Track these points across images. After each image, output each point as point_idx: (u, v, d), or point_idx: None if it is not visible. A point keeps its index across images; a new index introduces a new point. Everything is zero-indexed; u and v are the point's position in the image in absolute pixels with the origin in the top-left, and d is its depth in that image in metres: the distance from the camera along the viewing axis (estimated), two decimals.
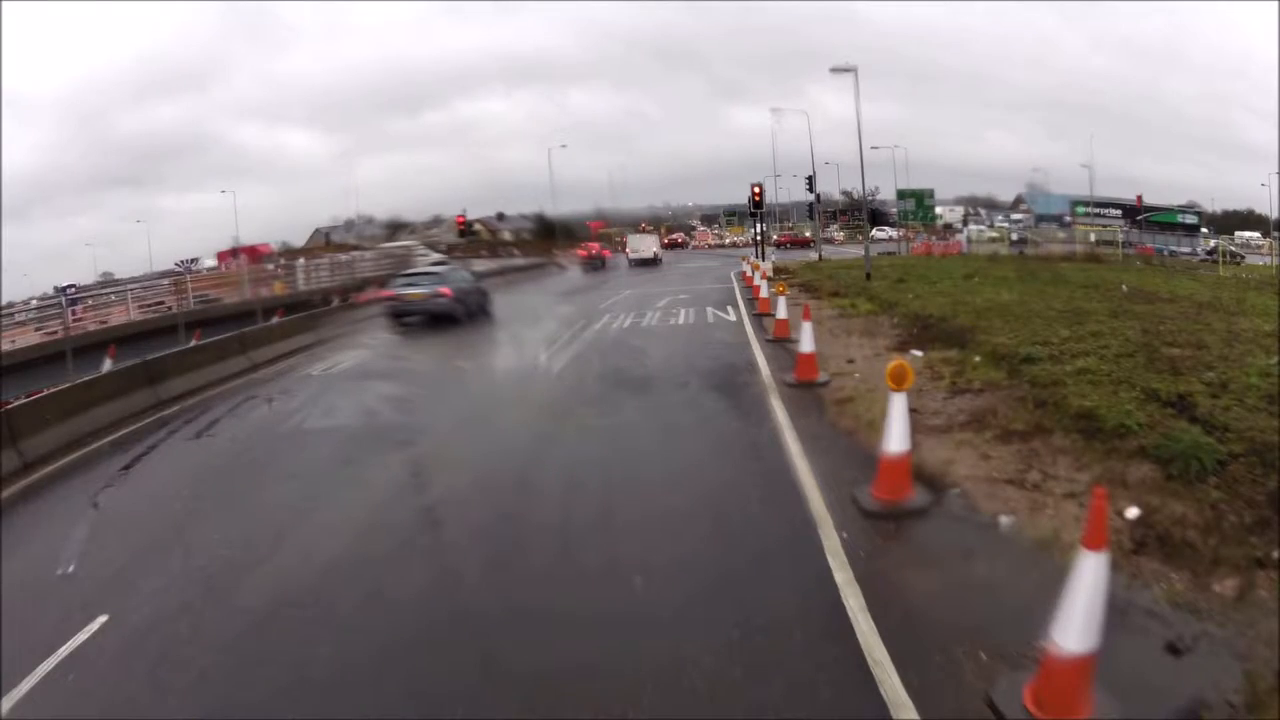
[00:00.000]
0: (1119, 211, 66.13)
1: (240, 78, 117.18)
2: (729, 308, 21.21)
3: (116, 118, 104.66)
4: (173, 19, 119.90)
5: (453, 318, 20.25)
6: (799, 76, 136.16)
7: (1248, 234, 66.13)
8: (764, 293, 20.35)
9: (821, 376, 11.06)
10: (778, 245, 66.51)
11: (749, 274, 31.79)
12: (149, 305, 28.61)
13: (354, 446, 9.73)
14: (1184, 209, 71.32)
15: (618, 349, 15.72)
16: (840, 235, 76.84)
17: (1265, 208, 70.34)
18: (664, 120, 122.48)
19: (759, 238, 38.17)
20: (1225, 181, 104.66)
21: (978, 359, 11.68)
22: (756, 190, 31.60)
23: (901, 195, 48.48)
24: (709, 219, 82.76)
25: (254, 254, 60.94)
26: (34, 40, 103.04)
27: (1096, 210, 66.94)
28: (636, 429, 9.70)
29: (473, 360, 15.85)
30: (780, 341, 15.08)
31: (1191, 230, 64.90)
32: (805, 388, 10.76)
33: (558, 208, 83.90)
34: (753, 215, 38.62)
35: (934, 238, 53.22)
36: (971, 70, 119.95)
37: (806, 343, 11.28)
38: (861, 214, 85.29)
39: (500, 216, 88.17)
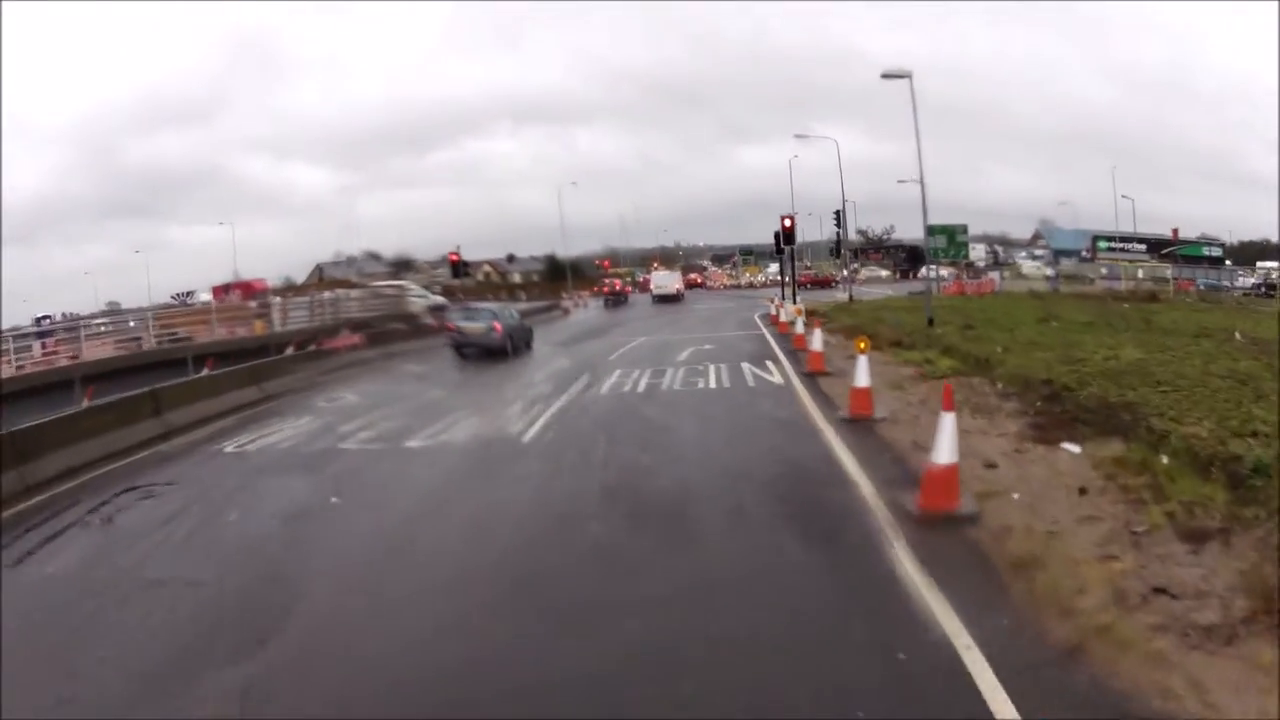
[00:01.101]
0: (1143, 246, 62.80)
1: (247, 111, 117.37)
2: (769, 363, 16.76)
3: (125, 147, 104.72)
4: (182, 51, 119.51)
5: (504, 351, 21.54)
6: (807, 116, 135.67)
7: (1269, 264, 62.14)
8: (815, 344, 15.93)
9: (964, 503, 6.54)
10: (799, 285, 62.39)
11: (778, 315, 27.63)
12: (126, 340, 26.22)
13: (171, 640, 5.13)
14: (1207, 242, 68.50)
15: (629, 429, 11.18)
16: (862, 275, 72.96)
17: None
18: (672, 160, 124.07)
19: (790, 276, 33.35)
20: (1228, 211, 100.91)
21: (1165, 460, 7.39)
22: (787, 222, 27.24)
23: (932, 231, 44.11)
24: (720, 258, 79.10)
25: (248, 289, 57.64)
26: (45, 68, 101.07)
27: (1120, 245, 63.60)
28: (671, 666, 4.49)
29: (431, 433, 11.46)
30: (861, 421, 10.57)
31: (1216, 263, 61.41)
32: (944, 525, 6.26)
33: (568, 249, 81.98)
34: (779, 252, 34.35)
35: (966, 275, 48.99)
36: (975, 105, 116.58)
37: (944, 449, 6.44)
38: (890, 252, 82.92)
39: (510, 259, 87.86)
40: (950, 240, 43.84)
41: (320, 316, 31.06)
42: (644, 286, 58.31)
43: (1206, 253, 64.37)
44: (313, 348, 23.20)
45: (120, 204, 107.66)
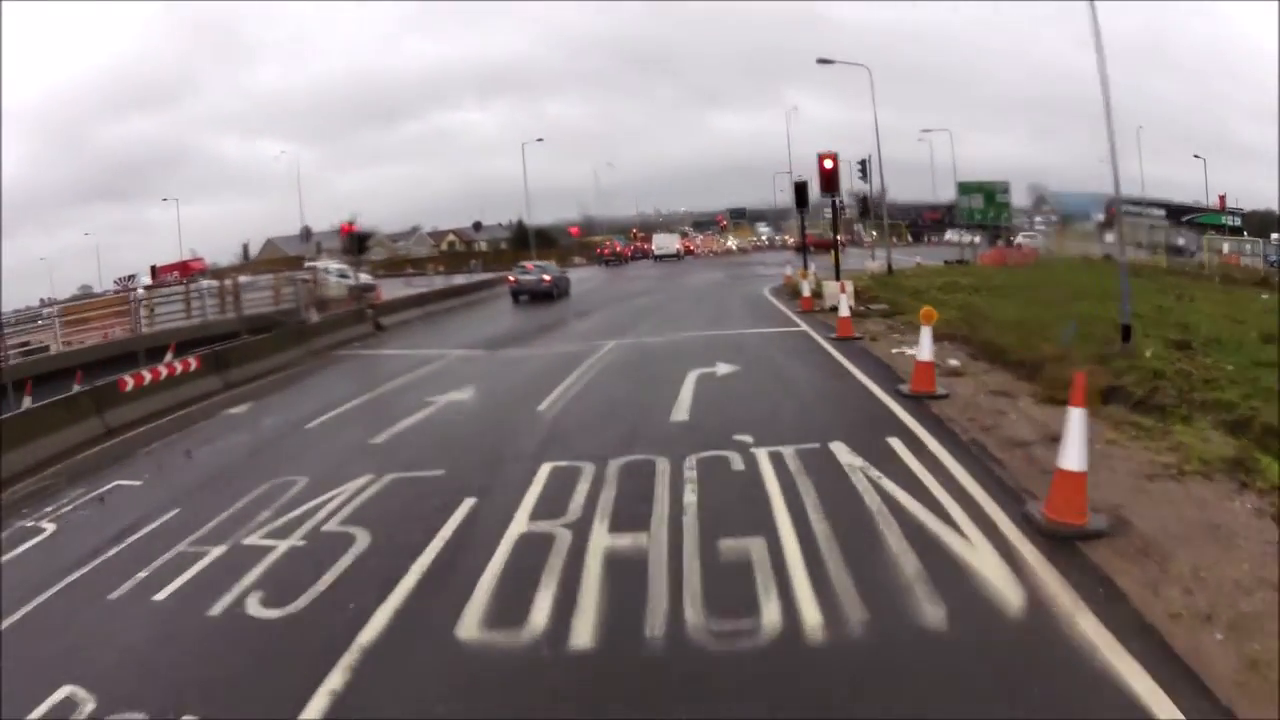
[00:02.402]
0: (1162, 211, 54.99)
1: (214, 90, 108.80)
2: (894, 442, 7.33)
3: (94, 130, 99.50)
4: (144, 33, 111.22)
5: (550, 295, 28.49)
6: (777, 80, 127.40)
7: None
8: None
9: None
10: (799, 249, 53.77)
11: (808, 291, 19.08)
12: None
13: None
14: (1230, 210, 62.83)
15: None
16: (869, 238, 64.61)
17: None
18: (643, 127, 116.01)
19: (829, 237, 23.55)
20: (1213, 180, 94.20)
21: None
22: (828, 163, 17.65)
23: (965, 190, 35.71)
24: (701, 224, 71.32)
25: (185, 270, 53.30)
26: (8, 54, 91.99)
27: (1138, 210, 58.96)
28: None
29: None
30: None
31: (1235, 232, 54.45)
32: None
33: (539, 216, 77.65)
34: (801, 205, 25.36)
35: (1007, 242, 40.51)
36: (955, 71, 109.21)
37: None
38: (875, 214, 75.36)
39: (477, 226, 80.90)
40: (989, 200, 35.42)
41: (205, 310, 22.38)
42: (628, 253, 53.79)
43: (1226, 221, 57.32)
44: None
45: (96, 188, 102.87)
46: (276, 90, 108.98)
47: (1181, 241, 40.48)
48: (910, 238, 57.09)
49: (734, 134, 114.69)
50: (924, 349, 9.03)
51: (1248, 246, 36.93)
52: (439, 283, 36.46)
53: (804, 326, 15.94)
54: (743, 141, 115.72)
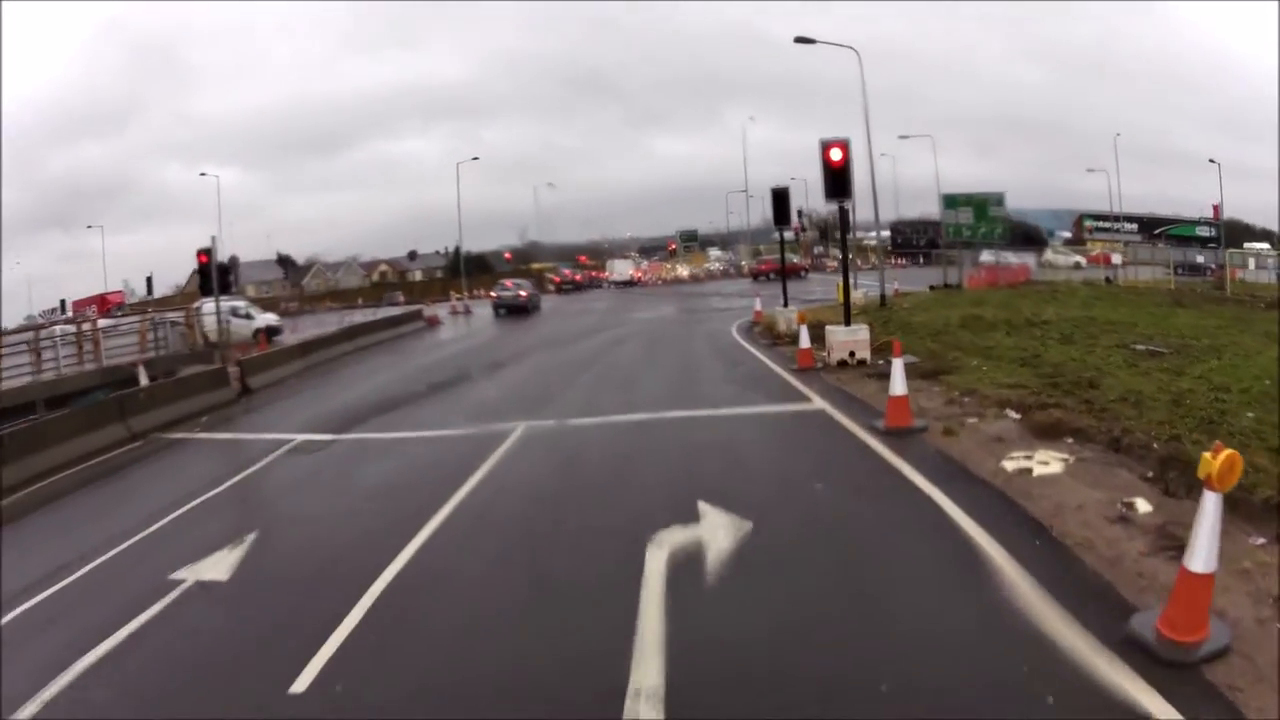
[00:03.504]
0: (1134, 225, 53.71)
1: (157, 117, 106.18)
2: None
3: (43, 156, 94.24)
4: (78, 58, 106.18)
5: (526, 309, 33.91)
6: (717, 103, 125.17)
7: (1258, 245, 52.50)
8: None
9: None
10: (755, 275, 48.79)
11: (805, 345, 13.58)
12: None
13: None
14: (1204, 222, 60.58)
15: None
16: (833, 262, 60.06)
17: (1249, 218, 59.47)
18: (585, 150, 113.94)
19: (842, 255, 16.19)
20: (1165, 192, 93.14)
21: None
22: (836, 152, 11.65)
23: (951, 203, 30.93)
24: (647, 250, 66.77)
25: (103, 303, 51.25)
26: None
27: (1109, 224, 55.25)
28: None
29: None
30: None
31: (1209, 244, 51.55)
32: None
33: (483, 243, 76.42)
34: (781, 222, 19.84)
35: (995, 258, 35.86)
36: (892, 88, 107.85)
37: None
38: (839, 234, 70.63)
39: (412, 255, 78.80)
40: (980, 215, 30.66)
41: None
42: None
43: (1199, 233, 54.49)
44: None
45: (43, 215, 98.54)
46: (219, 116, 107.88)
47: (1200, 259, 36.22)
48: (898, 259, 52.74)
49: (677, 157, 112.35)
50: (1201, 552, 3.70)
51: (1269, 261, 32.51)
52: (356, 318, 30.70)
53: (818, 401, 10.45)
54: (687, 165, 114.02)
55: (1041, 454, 7.33)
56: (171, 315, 26.01)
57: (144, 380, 16.58)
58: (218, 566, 6.16)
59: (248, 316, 29.10)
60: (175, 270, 71.29)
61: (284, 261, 75.22)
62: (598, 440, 9.25)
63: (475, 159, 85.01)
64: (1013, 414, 8.87)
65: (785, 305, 19.95)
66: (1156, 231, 57.51)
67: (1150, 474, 6.57)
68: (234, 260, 18.20)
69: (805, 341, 13.30)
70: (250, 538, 6.74)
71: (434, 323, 31.15)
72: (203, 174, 60.62)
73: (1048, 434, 7.97)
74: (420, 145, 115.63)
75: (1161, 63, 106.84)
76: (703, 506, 6.21)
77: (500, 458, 8.68)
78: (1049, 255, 45.22)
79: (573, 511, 6.72)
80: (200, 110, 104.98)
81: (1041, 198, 68.85)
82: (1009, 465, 7.04)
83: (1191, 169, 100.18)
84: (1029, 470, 6.92)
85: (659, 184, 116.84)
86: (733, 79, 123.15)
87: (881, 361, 13.04)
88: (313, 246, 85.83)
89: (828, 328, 13.59)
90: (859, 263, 55.94)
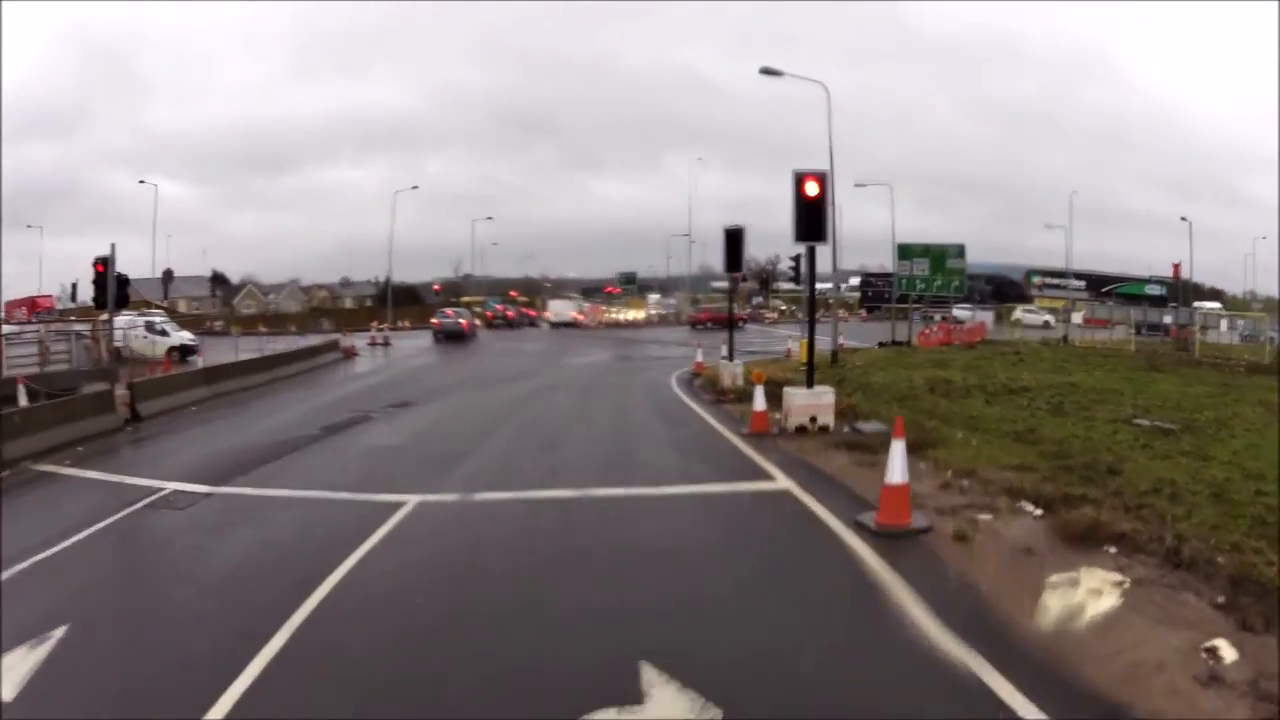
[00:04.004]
0: (1082, 283, 54.54)
1: (106, 124, 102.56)
2: None
3: None
4: (30, 62, 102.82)
5: (462, 336, 36.81)
6: (657, 148, 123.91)
7: (1208, 304, 53.22)
8: None
9: None
10: (694, 324, 47.12)
11: (760, 407, 11.52)
12: None
13: None
14: (1155, 280, 61.11)
15: None
16: (772, 314, 58.90)
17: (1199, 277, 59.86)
18: (524, 188, 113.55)
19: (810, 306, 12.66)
20: (1109, 250, 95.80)
21: None
22: (811, 188, 9.74)
23: (905, 254, 29.65)
24: (588, 291, 65.07)
25: (33, 307, 50.76)
26: None
27: (1056, 282, 55.62)
28: None
29: None
30: None
31: (1158, 302, 51.89)
32: None
33: (418, 274, 75.22)
34: (733, 269, 17.76)
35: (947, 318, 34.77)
36: (840, 142, 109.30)
37: None
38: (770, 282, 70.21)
39: (345, 283, 77.23)
40: (937, 267, 29.43)
41: None
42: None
43: (1149, 291, 55.14)
44: None
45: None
46: (169, 129, 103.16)
47: (1168, 320, 35.56)
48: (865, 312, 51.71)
49: (616, 199, 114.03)
50: None
51: (1239, 323, 31.97)
52: (279, 346, 28.18)
53: (782, 479, 8.41)
54: (626, 208, 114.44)
55: (1088, 576, 5.44)
56: (79, 326, 23.98)
57: (24, 400, 13.94)
58: (8, 677, 4.32)
59: (163, 333, 26.85)
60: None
61: (217, 279, 72.80)
62: (508, 533, 6.96)
63: (415, 188, 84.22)
64: (1031, 508, 6.98)
65: (730, 358, 18.00)
66: (1104, 290, 58.23)
67: (1221, 599, 4.99)
68: (124, 277, 15.57)
69: (760, 403, 11.31)
70: (58, 634, 4.86)
71: (350, 354, 28.59)
72: (141, 181, 56.61)
73: (1084, 541, 6.13)
74: (361, 174, 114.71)
75: (1108, 122, 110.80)
76: (647, 675, 4.03)
77: (374, 548, 6.45)
78: (1019, 313, 44.37)
79: (459, 663, 4.44)
80: (150, 121, 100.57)
81: (990, 253, 69.18)
82: (1054, 601, 5.09)
83: (1136, 227, 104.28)
84: (1081, 606, 5.01)
85: (599, 224, 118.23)
86: (674, 124, 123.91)
87: (847, 429, 11.20)
88: (255, 266, 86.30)
89: (786, 389, 11.63)
90: (800, 315, 55.35)
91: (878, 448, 9.58)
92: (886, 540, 6.22)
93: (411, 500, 7.81)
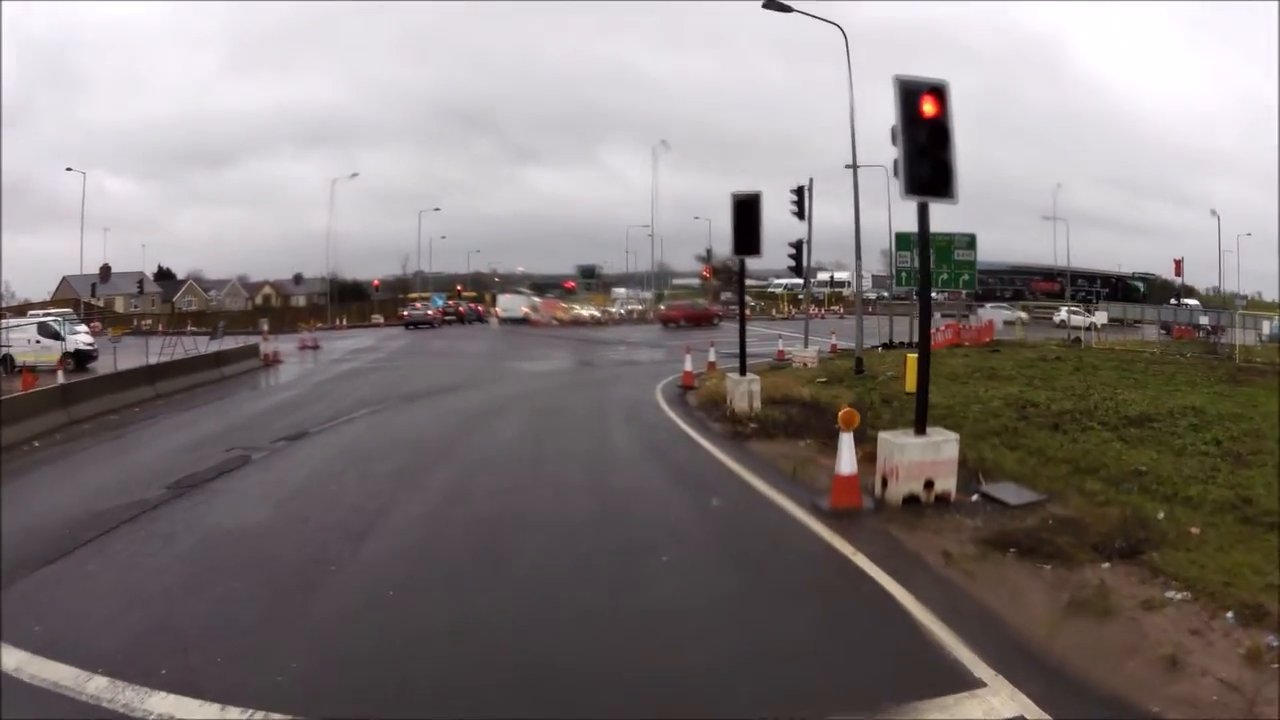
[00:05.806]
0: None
1: (46, 119, 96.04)
2: None
3: None
4: None
5: (433, 325, 41.52)
6: (593, 141, 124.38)
7: (1190, 302, 51.34)
8: None
9: None
10: (665, 322, 42.68)
11: (846, 470, 6.96)
12: None
13: None
14: (1141, 277, 60.12)
15: None
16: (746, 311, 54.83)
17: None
18: (468, 182, 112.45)
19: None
20: (1060, 247, 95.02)
21: None
22: (929, 105, 5.74)
23: (904, 244, 25.58)
24: (541, 287, 60.88)
25: None
26: None
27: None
28: None
29: None
30: None
31: (1141, 299, 51.42)
32: None
33: (364, 271, 71.02)
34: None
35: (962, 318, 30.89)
36: (779, 138, 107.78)
37: None
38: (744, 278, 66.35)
39: (298, 280, 73.69)
40: (944, 258, 25.44)
41: None
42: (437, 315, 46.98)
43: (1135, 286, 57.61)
44: None
45: None
46: (109, 124, 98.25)
47: (1204, 320, 32.25)
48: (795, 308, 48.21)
49: (558, 194, 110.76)
50: None
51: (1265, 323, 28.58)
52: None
53: (993, 680, 3.98)
54: (574, 204, 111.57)
55: None
56: None
57: None
58: None
59: (55, 336, 22.57)
60: (47, 278, 65.91)
61: (163, 275, 70.79)
62: None
63: (354, 175, 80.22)
64: None
65: (743, 372, 13.52)
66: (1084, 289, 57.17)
67: None
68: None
69: (849, 463, 6.91)
70: None
71: (271, 361, 23.62)
72: (69, 169, 51.12)
73: None
74: (303, 169, 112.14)
75: (1054, 118, 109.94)
76: None
77: None
78: (1064, 314, 41.29)
79: None
80: (89, 117, 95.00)
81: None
82: None
83: (1083, 224, 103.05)
84: None
85: (549, 221, 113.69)
86: (611, 119, 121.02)
87: (975, 496, 6.97)
88: (204, 263, 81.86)
89: (883, 436, 7.24)
90: (774, 313, 51.72)
91: (1053, 543, 5.45)
92: None
93: None
